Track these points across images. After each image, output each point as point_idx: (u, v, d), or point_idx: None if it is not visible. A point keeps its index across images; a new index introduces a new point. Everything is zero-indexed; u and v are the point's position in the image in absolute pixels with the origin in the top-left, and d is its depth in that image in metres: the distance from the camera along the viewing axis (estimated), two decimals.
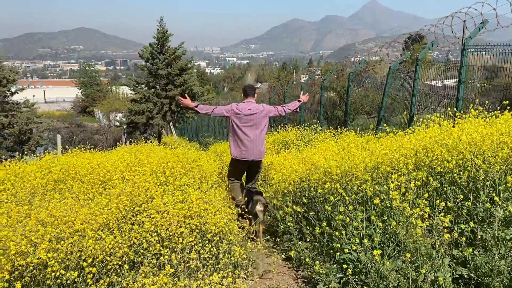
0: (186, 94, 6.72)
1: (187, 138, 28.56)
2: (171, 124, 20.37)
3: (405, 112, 8.17)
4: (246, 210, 4.83)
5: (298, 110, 8.38)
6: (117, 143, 18.73)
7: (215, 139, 23.93)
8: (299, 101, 6.08)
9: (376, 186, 3.53)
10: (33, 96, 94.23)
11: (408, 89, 9.26)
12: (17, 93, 13.85)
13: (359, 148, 7.27)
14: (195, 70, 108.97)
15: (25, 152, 13.23)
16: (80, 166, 5.74)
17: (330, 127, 12.18)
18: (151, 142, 19.26)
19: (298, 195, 4.72)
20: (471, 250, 2.88)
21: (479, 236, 3.08)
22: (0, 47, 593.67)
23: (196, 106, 5.61)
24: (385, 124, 9.14)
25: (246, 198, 5.07)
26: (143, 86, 16.86)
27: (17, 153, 14.22)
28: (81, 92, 79.24)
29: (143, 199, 3.99)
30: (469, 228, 3.06)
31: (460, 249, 3.06)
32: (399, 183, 3.45)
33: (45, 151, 16.24)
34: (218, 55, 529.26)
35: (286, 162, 6.51)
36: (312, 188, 4.51)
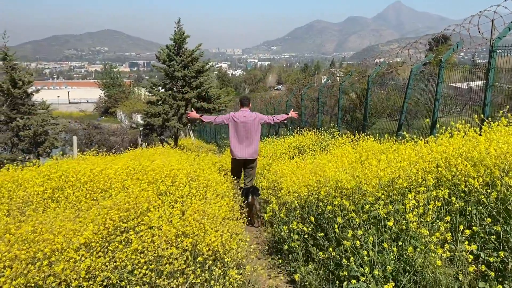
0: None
1: (204, 140, 28.44)
2: (188, 126, 20.20)
3: (427, 119, 7.68)
4: (246, 202, 5.81)
5: (285, 122, 9.29)
6: (130, 145, 18.69)
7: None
8: (287, 114, 7.15)
9: (391, 206, 3.13)
10: (58, 96, 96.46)
11: (432, 91, 8.76)
12: (33, 94, 13.88)
13: (377, 155, 6.84)
14: (216, 72, 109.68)
15: (40, 154, 13.22)
16: (82, 173, 5.50)
17: (348, 131, 11.74)
18: (168, 143, 19.13)
19: (306, 210, 4.35)
20: (500, 287, 2.46)
21: (510, 267, 2.66)
22: (29, 49, 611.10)
23: (201, 116, 7.01)
24: (405, 132, 8.65)
25: (245, 194, 6.02)
26: (160, 88, 16.73)
27: (32, 155, 14.36)
28: (104, 93, 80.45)
29: (136, 212, 3.69)
30: (499, 258, 2.63)
31: (487, 282, 2.64)
32: (416, 202, 3.04)
33: (62, 153, 16.24)
34: (240, 57, 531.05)
35: (298, 171, 6.13)
36: (321, 203, 4.13)
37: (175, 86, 16.66)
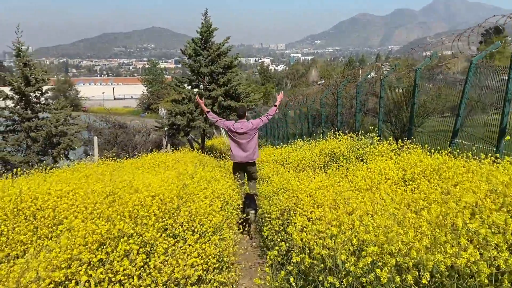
0: (199, 98, 8.00)
1: None
2: None
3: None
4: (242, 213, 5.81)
5: (278, 112, 10.17)
6: (154, 146, 17.86)
7: (267, 142, 22.33)
8: (275, 105, 7.51)
9: None
10: (103, 93, 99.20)
11: (495, 88, 7.00)
12: (47, 93, 13.14)
13: (426, 173, 5.27)
14: (258, 67, 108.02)
15: (55, 156, 12.48)
16: (42, 196, 4.36)
17: (391, 136, 10.05)
18: (198, 143, 18.05)
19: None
20: None
21: None
22: (81, 47, 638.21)
23: (207, 112, 7.56)
24: (462, 140, 6.94)
25: (244, 202, 6.13)
26: (186, 85, 15.62)
27: (48, 157, 13.72)
28: (146, 90, 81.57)
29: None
30: None
31: None
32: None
33: (85, 155, 15.48)
34: (283, 52, 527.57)
35: (318, 195, 4.68)
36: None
37: (201, 83, 15.50)
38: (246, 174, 7.50)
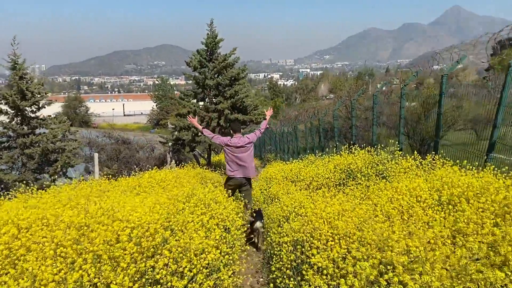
0: (191, 116, 8.26)
1: None
2: None
3: None
4: (251, 227, 6.00)
5: (268, 126, 8.42)
6: (158, 162, 17.12)
7: (276, 156, 21.45)
8: (265, 119, 7.75)
9: None
10: (113, 109, 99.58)
11: None
12: (44, 107, 12.47)
13: (468, 195, 4.39)
14: (267, 82, 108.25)
15: (52, 174, 11.73)
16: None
17: (414, 151, 9.17)
18: (204, 159, 17.25)
19: None
20: None
21: None
22: (92, 64, 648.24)
23: (203, 129, 7.62)
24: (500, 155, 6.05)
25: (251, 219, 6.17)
26: (191, 98, 14.91)
27: (44, 175, 13.02)
28: (156, 105, 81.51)
29: None
30: None
31: None
32: None
33: (85, 171, 14.75)
34: (292, 67, 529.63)
35: (339, 224, 3.81)
36: None
37: (207, 97, 14.77)
38: (240, 191, 7.24)
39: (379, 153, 8.31)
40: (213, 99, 14.44)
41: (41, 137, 11.68)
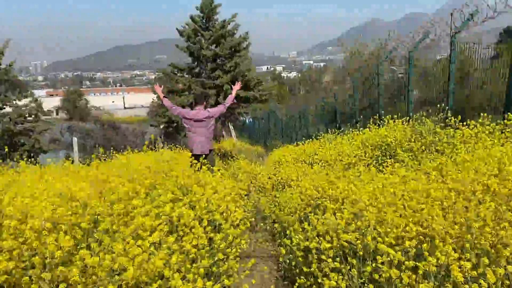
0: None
1: (251, 140, 24.46)
2: (229, 124, 16.29)
3: None
4: None
5: (235, 101, 8.51)
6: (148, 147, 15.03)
7: (284, 142, 19.52)
8: (231, 94, 7.09)
9: None
10: (112, 102, 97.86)
11: None
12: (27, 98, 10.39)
13: None
14: (270, 75, 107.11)
15: (18, 160, 9.85)
16: None
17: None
18: None
19: None
20: None
21: None
22: (93, 60, 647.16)
23: (164, 97, 7.23)
24: None
25: None
26: (185, 74, 12.89)
27: (9, 160, 11.12)
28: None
29: None
30: None
31: None
32: None
33: (67, 158, 12.87)
34: (295, 59, 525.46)
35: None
36: None
37: (204, 71, 12.76)
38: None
39: (423, 123, 6.34)
40: (211, 74, 12.43)
41: (3, 117, 9.69)
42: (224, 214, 3.00)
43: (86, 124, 14.29)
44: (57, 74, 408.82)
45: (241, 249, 3.14)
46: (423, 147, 5.62)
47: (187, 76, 12.83)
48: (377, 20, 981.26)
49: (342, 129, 11.14)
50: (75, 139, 11.17)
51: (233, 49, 12.23)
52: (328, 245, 2.23)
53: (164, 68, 17.66)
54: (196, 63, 12.60)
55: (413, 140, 5.93)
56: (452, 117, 5.82)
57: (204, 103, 6.92)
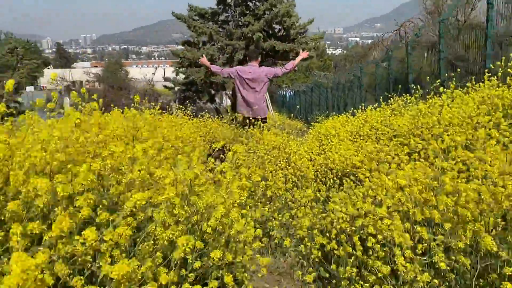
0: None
1: (290, 114, 21.88)
2: (266, 96, 13.40)
3: None
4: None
5: (296, 69, 6.75)
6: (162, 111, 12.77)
7: (329, 115, 16.75)
8: (293, 59, 6.41)
9: None
10: (152, 74, 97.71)
11: None
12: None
13: None
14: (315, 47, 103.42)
15: None
16: None
17: None
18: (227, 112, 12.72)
19: None
20: None
21: None
22: (140, 34, 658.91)
23: (211, 64, 6.52)
24: None
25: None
26: (207, 20, 10.12)
27: None
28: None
29: None
30: None
31: None
32: None
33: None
34: (341, 36, 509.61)
35: None
36: None
37: (232, 17, 9.94)
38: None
39: None
40: (239, 20, 9.58)
41: None
42: None
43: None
44: (105, 47, 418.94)
45: None
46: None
47: (210, 24, 10.05)
48: None
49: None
50: (66, 99, 8.98)
51: None
52: None
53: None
54: (221, 6, 9.79)
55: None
56: None
57: (259, 59, 6.19)
